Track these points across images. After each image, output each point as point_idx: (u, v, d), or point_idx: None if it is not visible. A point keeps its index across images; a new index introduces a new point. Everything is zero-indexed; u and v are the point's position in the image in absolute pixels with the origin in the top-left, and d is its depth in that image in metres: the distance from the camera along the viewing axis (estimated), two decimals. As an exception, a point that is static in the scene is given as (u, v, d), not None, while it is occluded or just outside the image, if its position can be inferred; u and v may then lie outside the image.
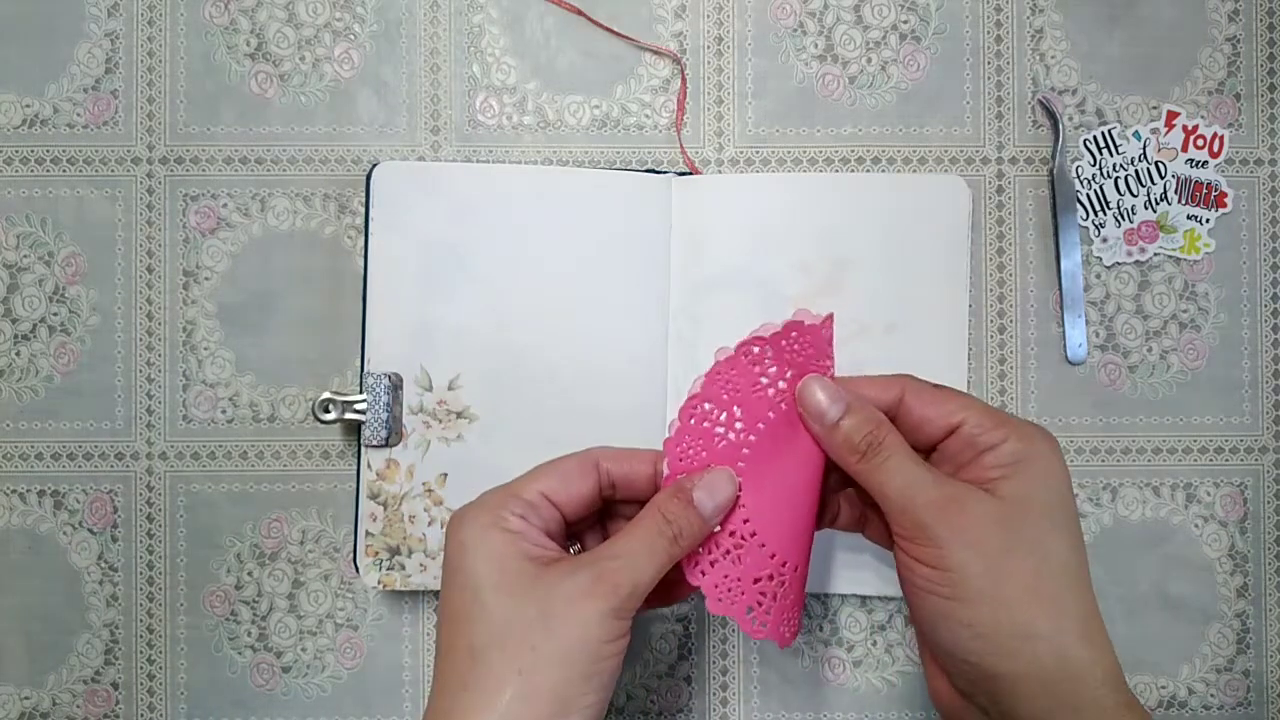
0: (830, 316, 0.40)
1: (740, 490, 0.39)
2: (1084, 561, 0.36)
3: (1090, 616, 0.35)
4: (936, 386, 0.39)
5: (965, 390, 0.47)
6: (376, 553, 0.49)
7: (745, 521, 0.39)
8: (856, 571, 0.50)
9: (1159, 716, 0.51)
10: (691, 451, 0.39)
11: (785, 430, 0.39)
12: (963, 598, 0.35)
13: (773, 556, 0.39)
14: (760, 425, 0.39)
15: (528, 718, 0.33)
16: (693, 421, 0.39)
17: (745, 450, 0.39)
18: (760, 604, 0.39)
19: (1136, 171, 0.51)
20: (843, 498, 0.42)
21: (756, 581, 0.39)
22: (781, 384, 0.39)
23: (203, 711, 0.51)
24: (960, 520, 0.35)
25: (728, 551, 0.39)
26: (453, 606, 0.36)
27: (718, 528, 0.39)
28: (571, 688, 0.34)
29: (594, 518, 0.41)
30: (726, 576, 0.39)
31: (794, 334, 0.39)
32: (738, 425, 0.39)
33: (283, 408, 0.51)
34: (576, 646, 0.34)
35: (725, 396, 0.39)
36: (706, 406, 0.39)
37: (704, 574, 0.39)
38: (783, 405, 0.39)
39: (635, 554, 0.36)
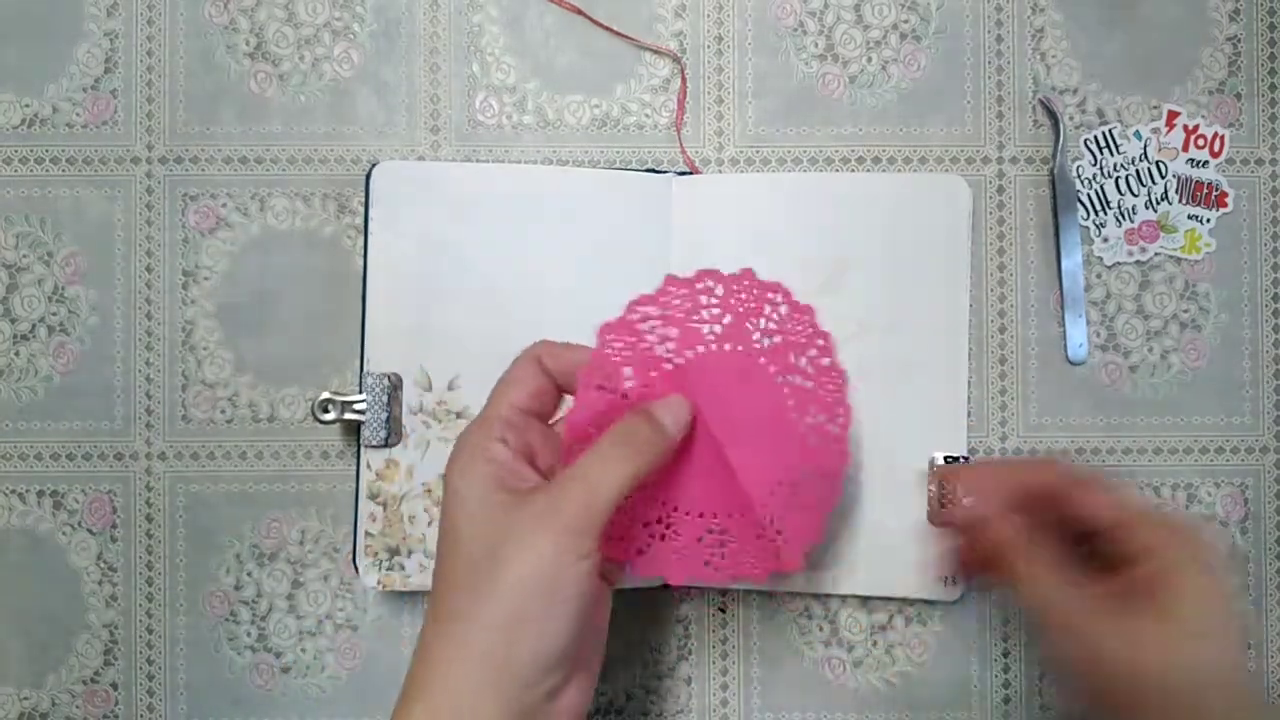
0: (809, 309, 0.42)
1: None
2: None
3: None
4: (1090, 476, 0.40)
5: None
6: (376, 553, 0.49)
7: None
8: (856, 571, 0.50)
9: (1160, 717, 0.51)
10: (621, 347, 0.41)
11: (695, 375, 0.41)
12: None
13: (663, 503, 0.41)
14: (685, 353, 0.41)
15: (487, 646, 0.34)
16: (635, 317, 0.41)
17: (658, 371, 0.41)
18: (649, 544, 0.41)
19: (1137, 171, 0.51)
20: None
21: (646, 525, 0.41)
22: (716, 328, 0.42)
23: (202, 712, 0.51)
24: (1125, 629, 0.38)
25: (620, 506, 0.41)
26: (440, 545, 0.37)
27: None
28: (530, 614, 0.35)
29: None
30: (618, 524, 0.41)
31: (746, 283, 0.41)
32: (668, 346, 0.41)
33: (282, 408, 0.51)
34: (531, 573, 0.35)
35: (669, 313, 0.41)
36: (653, 311, 0.41)
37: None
38: (702, 349, 0.41)
39: (591, 471, 0.37)
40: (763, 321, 0.42)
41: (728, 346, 0.42)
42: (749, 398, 0.42)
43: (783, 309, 0.42)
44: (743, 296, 0.42)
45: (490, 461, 0.37)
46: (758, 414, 0.42)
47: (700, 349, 0.42)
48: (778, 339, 0.42)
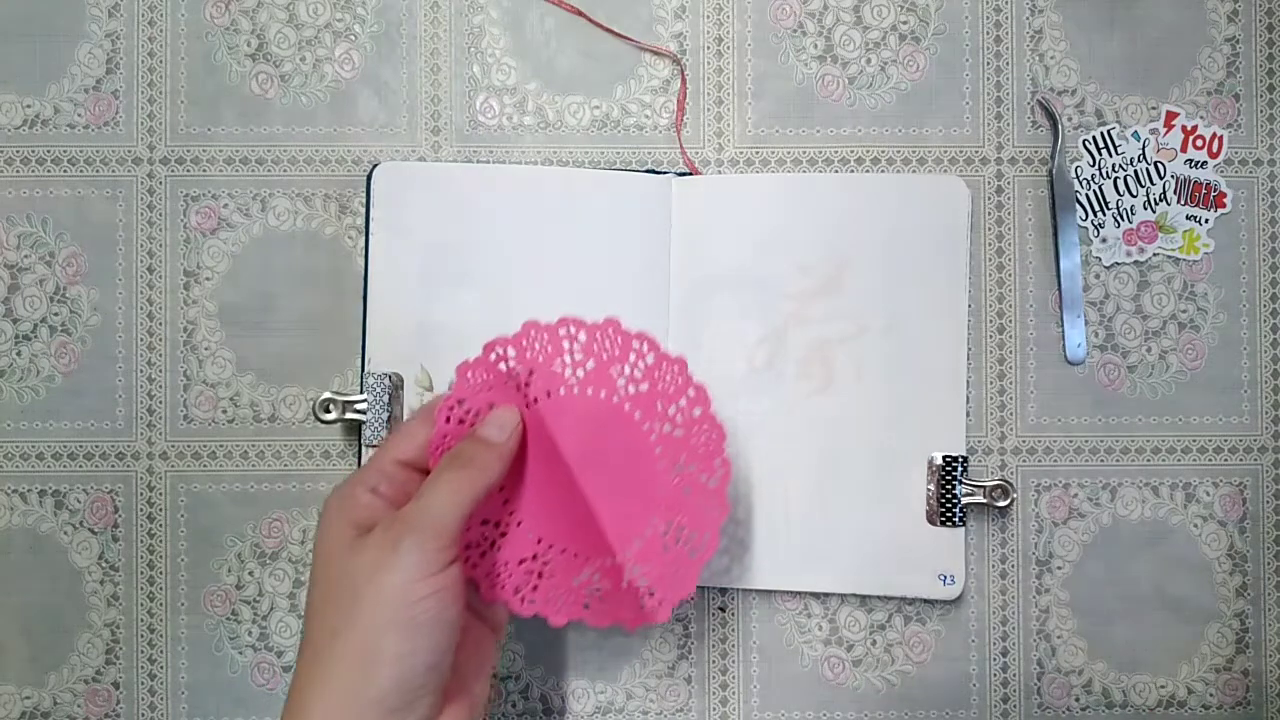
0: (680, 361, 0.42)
1: (502, 484, 0.41)
2: None
3: None
4: None
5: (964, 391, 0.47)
6: (377, 552, 0.49)
7: (509, 510, 0.42)
8: (856, 572, 0.50)
9: (1158, 716, 0.51)
10: (477, 389, 0.42)
11: (556, 417, 0.42)
12: None
13: (539, 541, 0.42)
14: (544, 395, 0.42)
15: (347, 682, 0.35)
16: (493, 357, 0.42)
17: (525, 407, 0.42)
18: (526, 583, 0.41)
19: (1135, 172, 0.51)
20: None
21: (521, 563, 0.42)
22: (580, 372, 0.42)
23: (203, 711, 0.51)
24: None
25: (494, 542, 0.42)
26: (308, 590, 0.39)
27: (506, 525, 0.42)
28: (381, 639, 0.35)
29: None
30: (494, 564, 0.41)
31: (611, 330, 0.42)
32: (526, 385, 0.42)
33: (283, 408, 0.51)
34: (379, 601, 0.35)
35: (530, 355, 0.42)
36: (511, 352, 0.42)
37: (475, 566, 0.41)
38: (563, 391, 0.42)
39: (431, 497, 0.38)
40: (628, 369, 0.42)
41: (590, 391, 0.42)
42: (612, 443, 0.42)
43: (649, 358, 0.42)
44: (607, 344, 0.42)
45: (353, 506, 0.39)
46: (621, 461, 0.42)
47: (561, 391, 0.42)
48: (645, 386, 0.42)
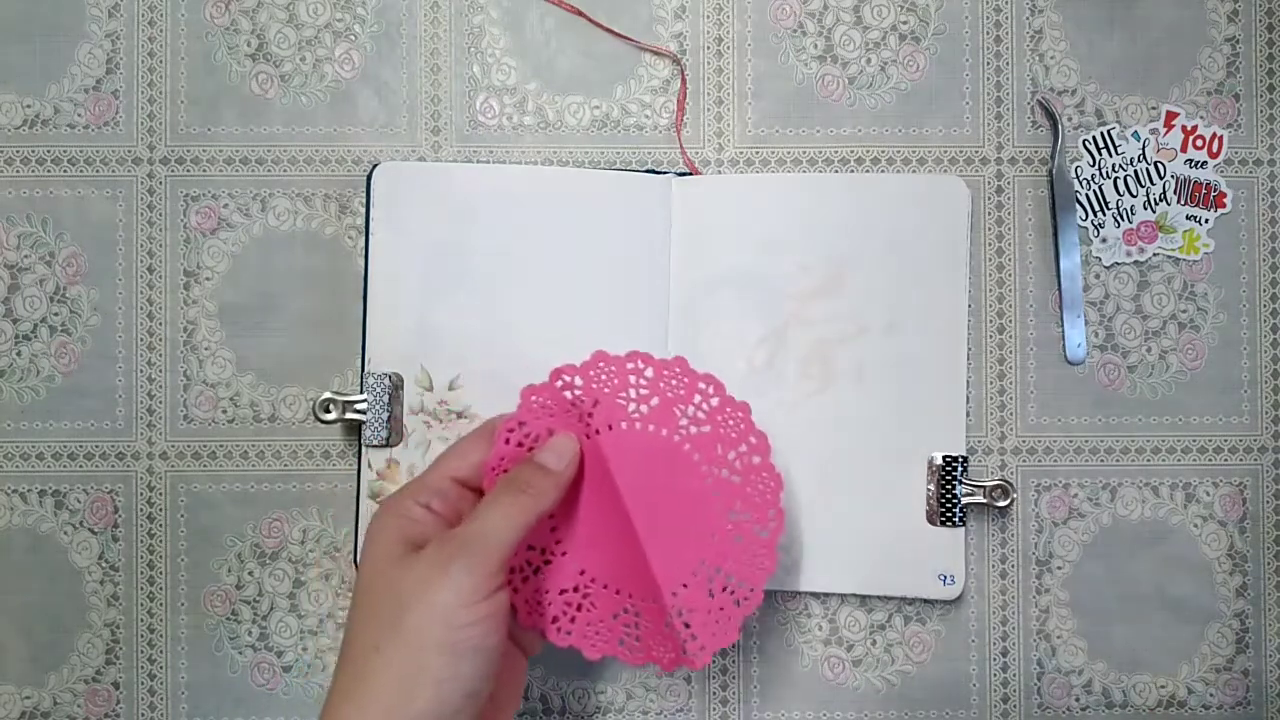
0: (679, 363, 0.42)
1: (553, 511, 0.41)
2: None
3: None
4: None
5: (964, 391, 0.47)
6: (377, 552, 0.49)
7: (556, 540, 0.42)
8: (856, 571, 0.50)
9: (1158, 716, 0.51)
10: (541, 408, 0.42)
11: (615, 450, 0.41)
12: None
13: (581, 572, 0.41)
14: (606, 427, 0.42)
15: (380, 691, 0.35)
16: (559, 383, 0.42)
17: (580, 439, 0.42)
18: (565, 613, 0.41)
19: (1135, 172, 0.51)
20: None
21: (562, 593, 0.42)
22: (644, 408, 0.42)
23: (203, 711, 0.51)
24: None
25: (538, 568, 0.42)
26: (352, 601, 0.38)
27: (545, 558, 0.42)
28: (425, 660, 0.35)
29: None
30: (535, 590, 0.41)
31: (679, 369, 0.42)
32: (590, 415, 0.42)
33: (283, 408, 0.51)
34: (426, 621, 0.35)
35: (595, 385, 0.42)
36: (577, 381, 0.42)
37: (516, 591, 0.41)
38: (625, 425, 0.42)
39: (486, 520, 0.37)
40: (691, 409, 0.42)
41: (652, 428, 0.42)
42: (669, 483, 0.41)
43: (714, 400, 0.42)
44: (673, 383, 0.42)
45: (405, 520, 0.38)
46: (676, 501, 0.41)
47: (624, 425, 0.42)
48: (706, 429, 0.42)
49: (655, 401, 0.42)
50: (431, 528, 0.38)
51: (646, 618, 0.41)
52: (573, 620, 0.42)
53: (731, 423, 0.42)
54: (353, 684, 0.36)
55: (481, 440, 0.41)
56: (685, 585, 0.41)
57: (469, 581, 0.36)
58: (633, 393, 0.42)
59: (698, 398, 0.42)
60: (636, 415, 0.42)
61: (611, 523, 0.41)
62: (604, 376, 0.42)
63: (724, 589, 0.41)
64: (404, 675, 0.35)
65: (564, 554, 0.42)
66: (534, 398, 0.42)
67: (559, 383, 0.42)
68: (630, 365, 0.42)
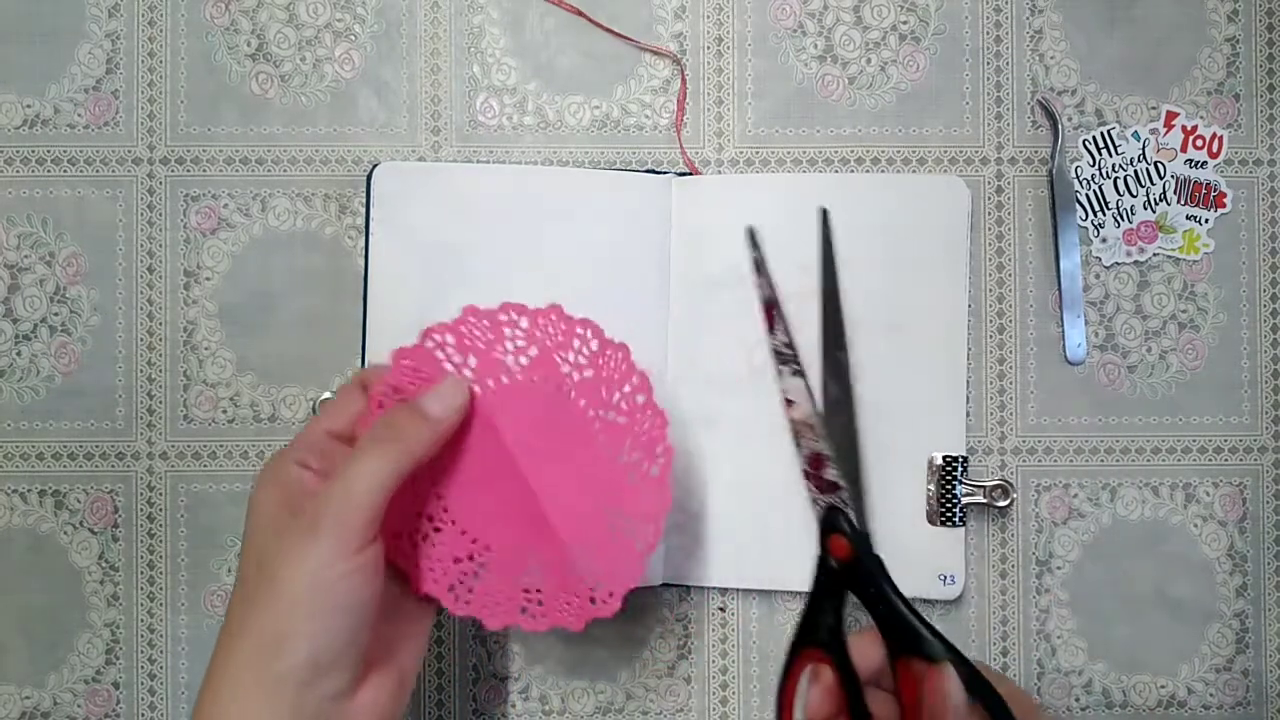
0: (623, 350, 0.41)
1: (437, 477, 0.41)
2: None
3: None
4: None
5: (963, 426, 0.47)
6: (377, 552, 0.49)
7: (444, 508, 0.41)
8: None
9: (1158, 716, 0.51)
10: (413, 377, 0.41)
11: (498, 406, 0.41)
12: None
13: (473, 541, 0.41)
14: (486, 382, 0.41)
15: (257, 657, 0.35)
16: (430, 344, 0.41)
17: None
18: (462, 582, 0.41)
19: (1136, 172, 0.51)
20: None
21: (456, 561, 0.41)
22: (522, 360, 0.41)
23: (203, 711, 0.51)
24: None
25: (426, 535, 0.41)
26: (238, 564, 0.39)
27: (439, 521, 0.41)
28: (296, 625, 0.35)
29: None
30: (428, 558, 0.41)
31: (554, 317, 0.41)
32: (466, 373, 0.41)
33: (283, 408, 0.51)
34: (296, 583, 0.35)
35: (469, 341, 0.41)
36: (450, 339, 0.41)
37: (406, 557, 0.41)
38: (505, 379, 0.41)
39: (350, 475, 0.37)
40: (572, 355, 0.41)
41: (536, 379, 0.41)
42: (557, 432, 0.41)
43: (593, 344, 0.41)
44: (550, 330, 0.41)
45: (282, 485, 0.38)
46: (566, 449, 0.41)
47: (504, 379, 0.41)
48: (589, 373, 0.41)
49: (534, 351, 0.41)
50: (310, 485, 0.38)
51: (548, 577, 0.41)
52: (470, 590, 0.41)
53: (613, 364, 0.41)
54: (230, 637, 0.36)
55: (354, 393, 0.41)
56: (585, 533, 0.41)
57: (333, 542, 0.36)
58: (510, 345, 0.41)
59: (576, 343, 0.41)
60: (516, 368, 0.41)
61: (501, 483, 0.41)
62: (477, 332, 0.41)
63: (624, 533, 0.41)
64: (274, 636, 0.35)
65: (453, 521, 0.41)
66: (405, 360, 0.41)
67: (429, 343, 0.41)
68: (504, 317, 0.41)
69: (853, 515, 0.40)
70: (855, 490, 0.41)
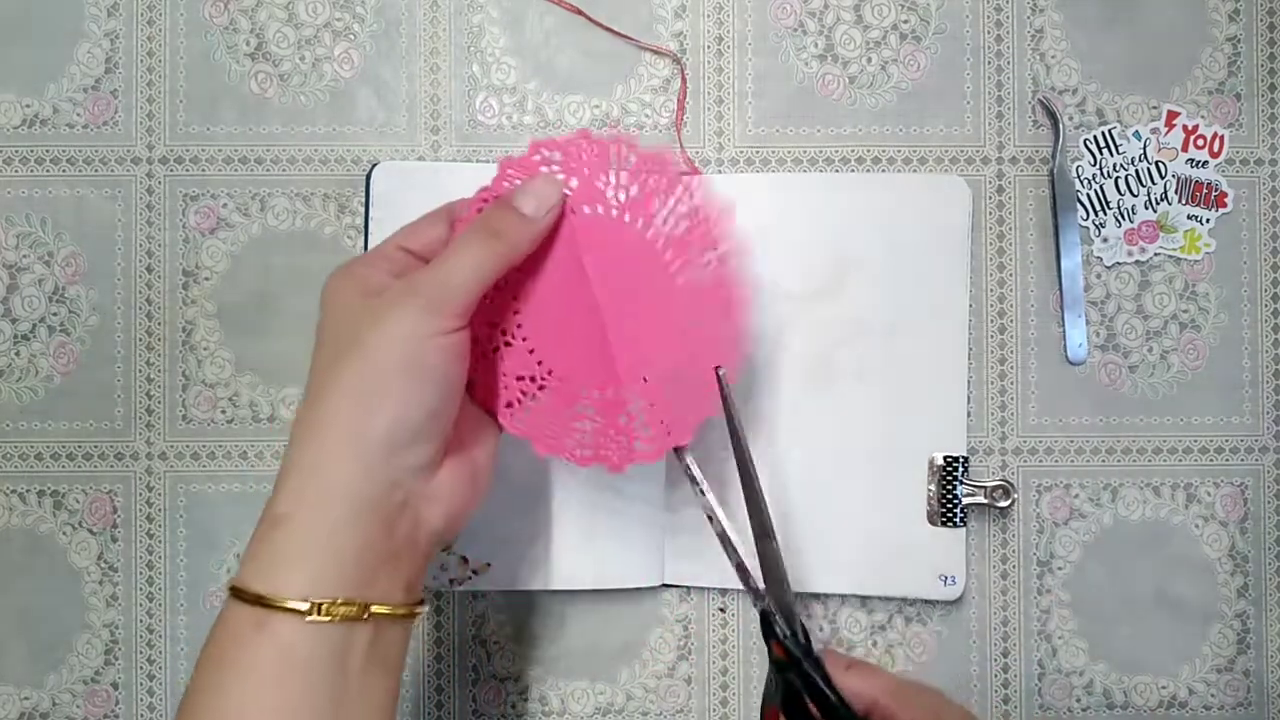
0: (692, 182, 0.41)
1: (518, 291, 0.40)
2: None
3: None
4: (848, 666, 0.40)
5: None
6: (376, 553, 0.49)
7: (517, 324, 0.41)
8: (857, 572, 0.50)
9: (1159, 717, 0.51)
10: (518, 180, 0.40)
11: (588, 234, 0.40)
12: None
13: (539, 362, 0.40)
14: (582, 208, 0.40)
15: (347, 415, 0.35)
16: (537, 157, 0.41)
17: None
18: (520, 401, 0.41)
19: (1137, 171, 0.51)
20: None
21: (519, 379, 0.40)
22: (621, 195, 0.40)
23: (202, 712, 0.51)
24: None
25: (497, 348, 0.41)
26: (315, 347, 0.38)
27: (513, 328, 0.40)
28: (388, 385, 0.35)
29: None
30: (491, 371, 0.40)
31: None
32: (566, 194, 0.40)
33: (282, 408, 0.51)
34: (388, 346, 0.35)
35: (574, 165, 0.40)
36: (557, 156, 0.41)
37: (473, 367, 0.40)
38: (601, 210, 0.40)
39: (452, 263, 0.37)
40: (672, 202, 0.41)
41: (628, 218, 0.40)
42: (638, 277, 0.40)
43: (695, 198, 0.41)
44: (655, 175, 0.41)
45: (360, 279, 0.38)
46: (645, 296, 0.40)
47: (599, 209, 0.40)
48: (683, 227, 0.41)
49: (634, 190, 0.41)
50: (383, 280, 0.38)
51: (601, 413, 0.41)
52: (527, 411, 0.41)
53: (707, 227, 0.41)
54: (315, 403, 0.36)
55: (439, 220, 0.41)
56: (645, 380, 0.40)
57: (429, 317, 0.36)
58: (612, 178, 0.40)
59: (678, 192, 0.41)
60: (614, 202, 0.40)
61: (577, 310, 0.40)
62: (584, 157, 0.40)
63: (681, 391, 0.41)
64: (364, 393, 0.35)
65: (524, 339, 0.41)
66: (510, 170, 0.41)
67: (537, 156, 0.41)
68: (613, 150, 0.40)
69: (781, 624, 0.41)
70: (785, 606, 0.41)
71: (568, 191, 0.40)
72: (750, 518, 0.41)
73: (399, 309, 0.36)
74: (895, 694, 0.39)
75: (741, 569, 0.41)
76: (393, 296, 0.36)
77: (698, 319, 0.41)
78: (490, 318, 0.41)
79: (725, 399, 0.40)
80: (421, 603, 0.38)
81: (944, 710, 0.37)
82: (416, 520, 0.36)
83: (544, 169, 0.40)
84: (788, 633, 0.40)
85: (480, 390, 0.41)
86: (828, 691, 0.38)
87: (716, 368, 0.40)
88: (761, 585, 0.40)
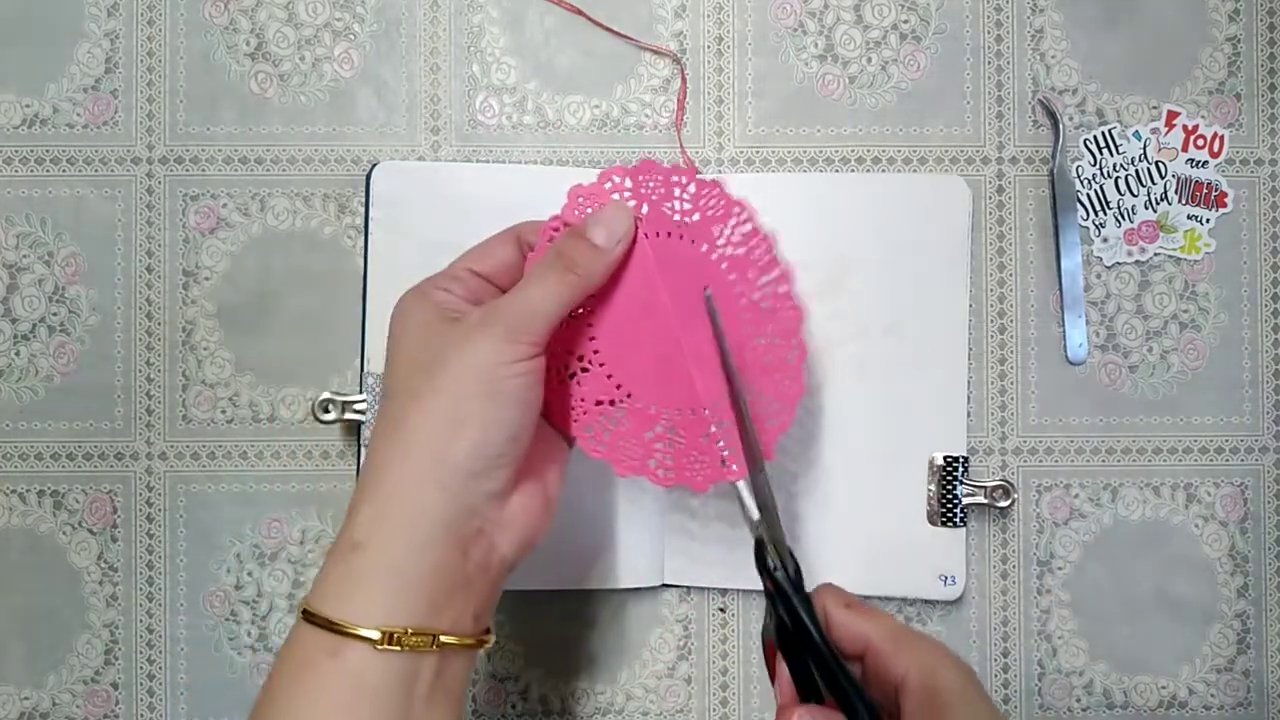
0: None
1: (593, 318, 0.41)
2: None
3: None
4: (848, 604, 0.39)
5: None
6: (376, 553, 0.49)
7: (595, 350, 0.41)
8: (856, 571, 0.50)
9: (1159, 717, 0.51)
10: (585, 215, 0.41)
11: (660, 258, 0.41)
12: None
13: (618, 386, 0.41)
14: (653, 235, 0.41)
15: (428, 441, 0.36)
16: (608, 185, 0.41)
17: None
18: (600, 424, 0.41)
19: (1137, 171, 0.51)
20: None
21: (598, 403, 0.41)
22: (685, 221, 0.42)
23: (202, 712, 0.51)
24: None
25: (575, 374, 0.41)
26: (386, 366, 0.39)
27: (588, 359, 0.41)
28: (469, 410, 0.36)
29: None
30: (571, 396, 0.41)
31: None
32: (635, 222, 0.41)
33: (282, 408, 0.51)
34: (468, 373, 0.36)
35: (643, 192, 0.41)
36: (627, 184, 0.41)
37: (551, 392, 0.41)
38: (668, 235, 0.41)
39: (527, 294, 0.38)
40: (728, 230, 0.42)
41: (693, 243, 0.42)
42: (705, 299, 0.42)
43: (747, 226, 0.42)
44: (712, 202, 0.42)
45: (434, 302, 0.39)
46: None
47: (668, 234, 0.41)
48: (740, 251, 0.42)
49: (696, 217, 0.42)
50: (457, 305, 0.39)
51: (682, 433, 0.41)
52: (606, 434, 0.41)
53: (761, 251, 0.42)
54: (394, 430, 0.36)
55: (506, 242, 0.41)
56: (721, 400, 0.41)
57: (507, 345, 0.36)
58: (677, 204, 0.42)
59: (734, 220, 0.42)
60: (680, 228, 0.42)
61: (650, 334, 0.41)
62: (651, 184, 0.42)
63: (757, 409, 0.41)
64: (447, 420, 0.36)
65: (601, 365, 0.41)
66: (581, 198, 0.41)
67: (608, 184, 0.42)
68: (675, 178, 0.42)
69: (773, 554, 0.39)
70: (776, 539, 0.40)
71: (638, 218, 0.41)
72: (743, 449, 0.41)
73: (479, 336, 0.36)
74: (892, 639, 0.37)
75: (741, 499, 0.41)
76: (473, 324, 0.37)
77: (764, 336, 0.42)
78: (564, 344, 0.41)
79: (714, 323, 0.41)
80: (488, 632, 0.38)
81: (940, 666, 0.36)
82: (490, 547, 0.37)
83: (614, 195, 0.41)
84: (777, 564, 0.39)
85: (554, 413, 0.41)
86: (812, 629, 0.38)
87: (704, 288, 0.41)
88: (756, 515, 0.40)
